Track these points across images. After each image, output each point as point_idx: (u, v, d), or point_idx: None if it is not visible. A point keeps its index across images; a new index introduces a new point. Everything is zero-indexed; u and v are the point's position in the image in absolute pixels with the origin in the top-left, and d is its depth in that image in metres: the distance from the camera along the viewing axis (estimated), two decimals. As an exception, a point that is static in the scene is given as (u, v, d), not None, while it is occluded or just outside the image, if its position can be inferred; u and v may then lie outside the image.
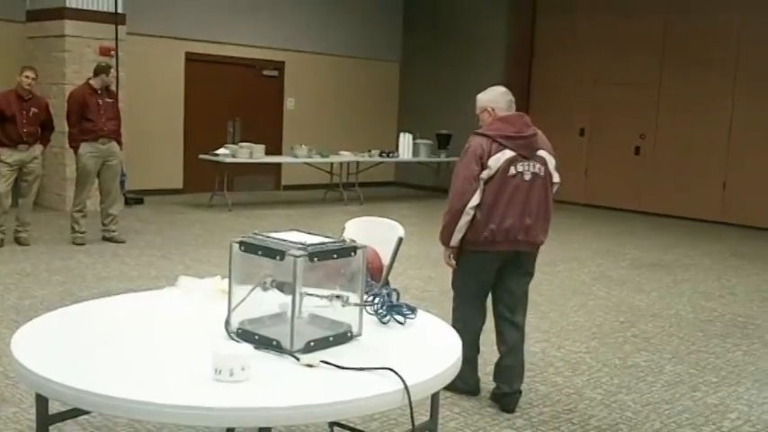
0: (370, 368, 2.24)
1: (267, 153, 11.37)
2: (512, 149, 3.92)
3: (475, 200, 3.91)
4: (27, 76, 7.46)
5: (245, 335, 2.45)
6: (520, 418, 4.01)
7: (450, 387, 3.85)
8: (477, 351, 4.27)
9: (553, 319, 5.91)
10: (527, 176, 3.93)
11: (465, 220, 3.94)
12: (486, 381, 4.33)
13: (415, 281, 6.44)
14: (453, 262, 4.10)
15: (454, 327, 4.14)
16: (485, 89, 4.21)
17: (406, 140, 12.68)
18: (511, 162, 3.91)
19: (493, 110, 4.06)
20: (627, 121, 12.32)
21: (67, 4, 9.81)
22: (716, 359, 5.12)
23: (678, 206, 11.68)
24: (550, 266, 7.85)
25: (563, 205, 12.58)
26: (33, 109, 7.53)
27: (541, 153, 4.03)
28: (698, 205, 11.52)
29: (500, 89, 4.17)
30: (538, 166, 3.98)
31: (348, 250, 2.51)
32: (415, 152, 12.67)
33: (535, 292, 6.72)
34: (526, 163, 3.94)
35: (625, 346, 5.33)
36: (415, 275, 6.51)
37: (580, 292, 6.87)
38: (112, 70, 7.90)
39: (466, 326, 3.97)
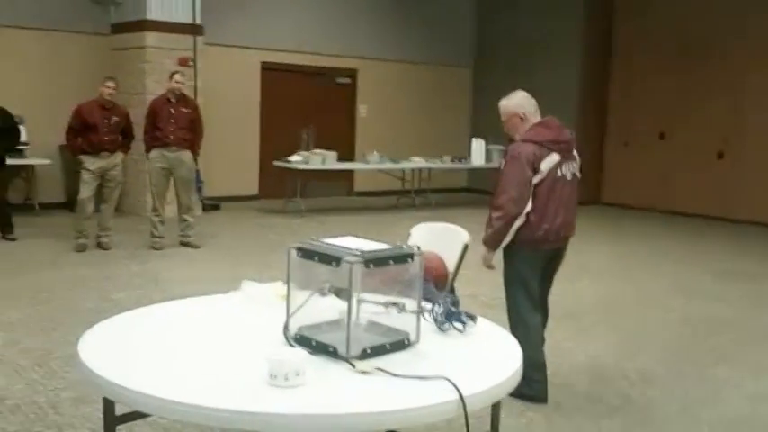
0: (425, 377, 2.20)
1: (339, 160, 11.45)
2: (557, 153, 4.06)
3: (530, 204, 4.02)
4: (108, 86, 7.71)
5: (302, 340, 2.45)
6: (589, 430, 3.89)
7: (516, 393, 3.88)
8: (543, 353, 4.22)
9: (628, 330, 5.74)
10: (569, 177, 4.13)
11: (518, 223, 4.03)
12: (554, 387, 4.23)
13: (484, 287, 6.35)
14: (494, 264, 4.19)
15: (516, 330, 4.16)
16: (519, 94, 4.23)
17: (478, 146, 12.57)
18: (558, 165, 4.07)
19: (524, 115, 4.16)
20: (709, 124, 11.91)
21: (148, 17, 10.12)
22: (801, 373, 4.89)
23: (764, 213, 11.21)
24: (628, 274, 7.65)
25: (643, 212, 12.27)
26: (114, 118, 7.78)
27: (575, 153, 4.23)
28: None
29: (523, 93, 4.24)
30: (575, 165, 4.20)
31: (405, 256, 2.48)
32: (488, 158, 12.54)
33: (609, 301, 6.57)
34: (567, 164, 4.13)
35: (704, 358, 5.12)
36: (486, 282, 6.42)
37: (657, 301, 6.65)
38: (176, 75, 8.05)
39: (529, 327, 4.11)
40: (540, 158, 4.00)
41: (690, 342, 5.48)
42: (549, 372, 4.24)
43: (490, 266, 4.20)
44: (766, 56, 11.22)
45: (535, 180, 4.01)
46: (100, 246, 7.97)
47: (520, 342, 3.96)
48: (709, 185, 11.93)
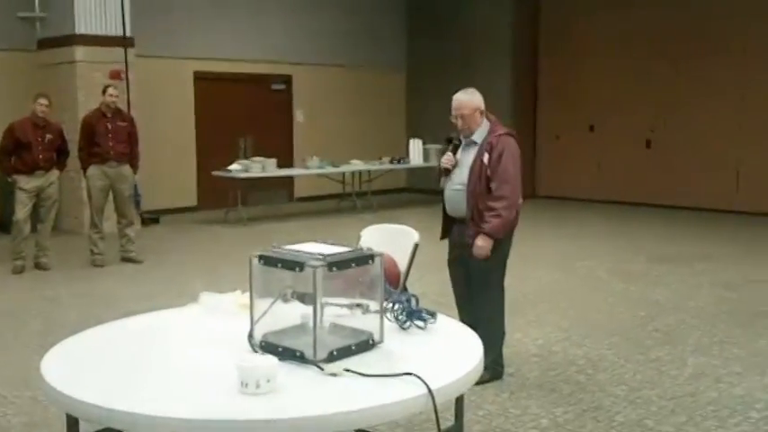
0: (394, 374, 2.26)
1: (279, 166, 11.45)
2: None
3: None
4: (41, 104, 7.56)
5: (268, 347, 2.48)
6: (545, 419, 4.02)
7: (495, 376, 4.42)
8: None
9: (573, 317, 5.92)
10: None
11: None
12: (507, 378, 4.34)
13: (434, 285, 6.44)
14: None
15: (494, 317, 4.45)
16: (477, 91, 4.44)
17: (416, 146, 12.73)
18: None
19: (482, 110, 4.38)
20: (636, 114, 12.30)
21: (77, 31, 9.92)
22: (739, 350, 5.11)
23: (692, 197, 11.64)
24: (567, 264, 7.86)
25: (577, 202, 12.60)
26: (48, 135, 7.64)
27: None
28: (712, 195, 11.48)
29: (474, 90, 4.45)
30: None
31: (366, 258, 2.54)
32: (426, 157, 12.70)
33: (554, 290, 6.75)
34: None
35: (647, 340, 5.32)
36: (433, 280, 6.51)
37: (599, 288, 6.87)
38: (110, 89, 7.94)
39: (502, 311, 4.49)
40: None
41: (633, 325, 5.69)
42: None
43: (488, 255, 4.33)
44: (692, 47, 11.63)
45: None
46: (39, 266, 7.80)
47: (499, 327, 4.32)
48: (639, 173, 12.33)
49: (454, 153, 4.42)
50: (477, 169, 4.29)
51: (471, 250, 4.34)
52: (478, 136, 4.36)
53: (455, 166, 4.41)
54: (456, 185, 4.39)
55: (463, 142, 4.42)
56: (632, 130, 12.38)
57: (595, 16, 12.61)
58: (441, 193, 4.56)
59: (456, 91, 4.45)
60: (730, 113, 11.36)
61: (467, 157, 4.38)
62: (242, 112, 12.57)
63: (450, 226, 4.56)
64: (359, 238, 4.14)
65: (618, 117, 12.53)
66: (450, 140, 4.50)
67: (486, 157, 4.27)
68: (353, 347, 2.48)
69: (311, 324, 2.39)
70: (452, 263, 4.63)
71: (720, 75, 11.36)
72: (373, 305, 2.55)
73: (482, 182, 4.27)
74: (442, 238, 4.64)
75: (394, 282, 3.85)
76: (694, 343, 5.26)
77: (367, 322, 2.54)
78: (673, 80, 11.89)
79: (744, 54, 11.14)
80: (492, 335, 4.38)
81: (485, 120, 4.38)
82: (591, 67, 12.76)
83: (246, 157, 11.57)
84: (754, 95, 11.15)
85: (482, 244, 4.28)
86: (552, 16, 13.31)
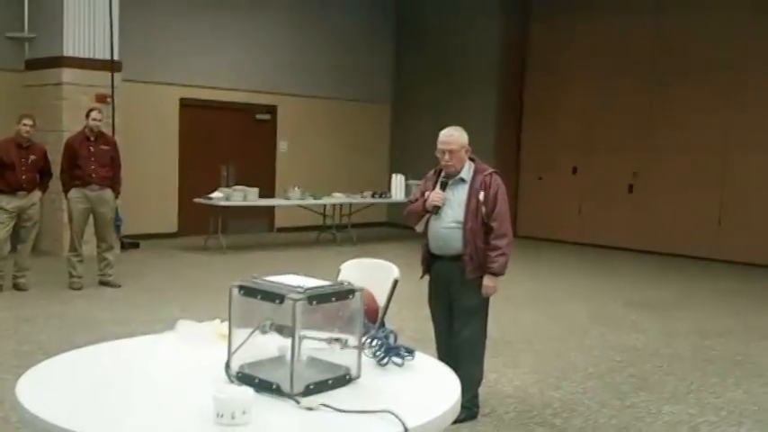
0: (370, 411, 2.25)
1: (261, 196, 11.43)
2: None
3: None
4: (25, 124, 7.54)
5: (245, 378, 2.46)
6: (519, 460, 4.00)
7: (470, 416, 4.43)
8: None
9: (549, 360, 5.92)
10: None
11: None
12: (483, 418, 4.33)
13: (411, 322, 6.45)
14: None
15: (475, 356, 4.54)
16: (461, 130, 4.50)
17: (398, 181, 12.78)
18: None
19: (468, 148, 4.45)
20: (619, 158, 12.44)
21: (65, 53, 9.93)
22: (716, 399, 5.13)
23: (673, 243, 11.74)
24: (546, 306, 7.88)
25: (557, 244, 12.66)
26: (32, 156, 7.61)
27: None
28: (693, 242, 11.58)
29: (461, 128, 4.52)
30: None
31: (346, 293, 2.55)
32: (408, 192, 12.72)
33: (530, 332, 6.76)
34: None
35: (623, 386, 5.33)
36: (410, 316, 6.52)
37: (576, 331, 6.88)
38: (93, 113, 7.93)
39: (483, 352, 4.56)
40: None
41: (609, 370, 5.69)
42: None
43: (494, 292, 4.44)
44: (675, 92, 11.81)
45: None
46: (16, 287, 7.71)
47: (479, 367, 4.42)
48: (621, 218, 12.43)
49: (443, 190, 4.44)
50: (473, 207, 4.34)
51: (462, 288, 4.40)
52: (465, 173, 4.41)
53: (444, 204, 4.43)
54: (449, 223, 4.39)
55: (449, 181, 4.44)
56: (615, 174, 12.50)
57: (580, 62, 12.80)
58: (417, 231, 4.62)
59: (441, 127, 4.50)
60: (712, 161, 11.51)
61: (457, 195, 4.40)
62: (226, 141, 12.60)
63: (431, 263, 4.57)
64: (338, 271, 4.13)
65: (601, 160, 12.67)
66: (439, 174, 4.53)
67: (482, 196, 4.33)
68: (330, 382, 2.47)
69: (289, 357, 2.39)
70: (435, 300, 4.63)
71: (704, 121, 11.52)
72: (352, 340, 2.54)
73: (478, 219, 4.32)
74: (423, 276, 4.65)
75: (372, 317, 3.84)
76: (671, 390, 5.27)
77: (345, 357, 2.54)
78: (656, 124, 12.06)
79: (727, 100, 11.32)
80: (472, 374, 4.42)
81: (467, 158, 4.44)
82: (576, 108, 12.92)
83: (228, 186, 11.57)
84: (737, 143, 11.30)
85: (491, 284, 4.39)
86: (538, 55, 13.50)
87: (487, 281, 4.35)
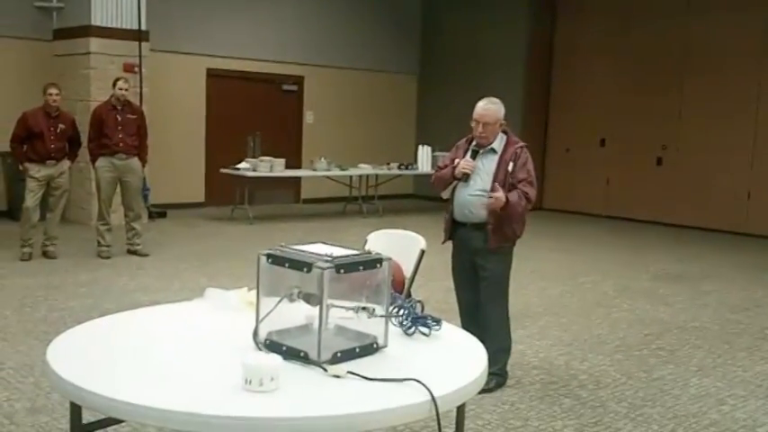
0: (397, 379, 2.26)
1: (287, 167, 11.45)
2: None
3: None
4: (51, 93, 7.58)
5: (272, 346, 2.47)
6: None
7: (500, 384, 4.50)
8: None
9: (576, 332, 5.90)
10: None
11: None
12: (508, 389, 4.33)
13: (437, 293, 6.45)
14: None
15: (503, 326, 4.56)
16: (501, 103, 4.47)
17: (424, 153, 12.72)
18: None
19: (503, 122, 4.45)
20: (648, 131, 12.28)
21: (93, 22, 9.96)
22: (743, 372, 5.08)
23: (701, 217, 11.61)
24: (573, 279, 7.84)
25: (584, 217, 12.57)
26: (60, 125, 7.66)
27: None
28: (722, 216, 11.44)
29: (499, 101, 4.48)
30: None
31: (374, 262, 2.54)
32: (434, 164, 12.69)
33: (557, 305, 6.73)
34: None
35: (650, 358, 5.30)
36: (436, 287, 6.52)
37: (603, 304, 6.84)
38: (120, 82, 7.95)
39: (508, 320, 4.59)
40: None
41: (636, 343, 5.66)
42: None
43: (498, 206, 4.27)
44: (704, 64, 11.61)
45: None
46: (46, 255, 7.81)
47: (507, 336, 4.48)
48: (649, 190, 12.29)
49: (473, 158, 4.43)
50: (501, 178, 4.35)
51: (485, 257, 4.43)
52: (497, 145, 4.43)
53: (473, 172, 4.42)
54: (476, 191, 4.40)
55: (480, 151, 4.43)
56: (644, 147, 12.33)
57: (609, 32, 12.58)
58: (443, 198, 4.63)
59: (469, 99, 4.49)
60: (743, 134, 11.31)
61: (487, 165, 4.42)
62: (253, 111, 12.60)
63: (455, 231, 4.57)
64: (365, 241, 4.14)
65: (629, 133, 12.50)
66: (470, 143, 4.51)
67: (510, 167, 4.35)
68: (358, 350, 2.48)
69: (316, 325, 2.39)
70: (459, 269, 4.64)
71: (733, 93, 11.32)
72: (379, 309, 2.54)
73: (505, 189, 4.31)
74: (445, 241, 4.67)
75: (399, 287, 3.84)
76: (697, 363, 5.23)
77: (372, 326, 2.53)
78: (685, 98, 11.86)
79: (760, 70, 11.10)
80: (501, 343, 4.46)
81: (500, 131, 4.44)
82: (603, 81, 12.74)
83: (255, 156, 11.58)
84: (766, 117, 11.10)
85: (500, 196, 4.22)
86: (566, 30, 13.30)
87: (500, 193, 4.23)
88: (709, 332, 6.03)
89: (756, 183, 11.28)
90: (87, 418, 2.65)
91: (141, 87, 10.11)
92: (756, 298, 7.29)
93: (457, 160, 4.47)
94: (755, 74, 11.14)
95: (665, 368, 5.10)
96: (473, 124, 4.40)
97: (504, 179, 4.33)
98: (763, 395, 4.65)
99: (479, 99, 4.47)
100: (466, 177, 4.41)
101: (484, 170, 4.40)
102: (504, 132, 4.46)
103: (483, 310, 4.51)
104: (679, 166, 12.01)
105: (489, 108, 4.38)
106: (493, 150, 4.41)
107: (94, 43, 9.98)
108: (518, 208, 4.32)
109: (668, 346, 5.61)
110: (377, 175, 12.57)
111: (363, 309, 2.49)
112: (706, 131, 11.65)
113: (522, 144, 4.43)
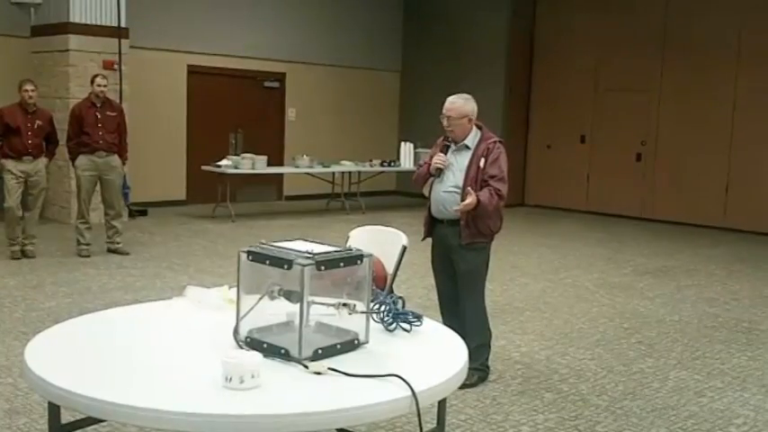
0: (378, 375, 2.26)
1: (269, 164, 11.41)
2: None
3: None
4: (27, 90, 7.53)
5: (253, 343, 2.48)
6: (525, 426, 4.03)
7: (482, 378, 4.53)
8: None
9: (557, 327, 5.93)
10: None
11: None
12: (490, 383, 4.35)
13: (418, 289, 6.48)
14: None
15: (481, 321, 4.55)
16: (472, 100, 4.49)
17: (407, 149, 12.73)
18: None
19: (472, 119, 4.44)
20: (627, 127, 12.36)
21: (71, 19, 9.87)
22: (721, 365, 5.14)
23: (680, 212, 11.70)
24: (553, 274, 7.88)
25: (565, 212, 12.64)
26: (38, 122, 7.60)
27: None
28: (700, 211, 11.54)
29: (470, 97, 4.50)
30: None
31: (354, 259, 2.54)
32: (417, 161, 12.70)
33: (539, 300, 6.77)
34: None
35: (629, 352, 5.34)
36: (418, 284, 6.55)
37: (584, 299, 6.89)
38: (98, 79, 7.89)
39: (486, 315, 4.59)
40: None
41: (616, 337, 5.71)
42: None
43: (469, 208, 4.27)
44: (682, 60, 11.70)
45: None
46: (25, 254, 7.74)
47: (485, 330, 4.45)
48: (628, 186, 12.38)
49: (445, 154, 4.47)
50: (473, 174, 4.37)
51: (460, 252, 4.45)
52: (470, 141, 4.45)
53: (446, 167, 4.45)
54: (449, 187, 4.44)
55: (452, 147, 4.45)
56: (623, 143, 12.42)
57: (590, 26, 12.64)
58: (425, 195, 4.66)
59: (450, 95, 4.50)
60: (721, 129, 11.42)
61: (460, 161, 4.45)
62: (234, 108, 12.54)
63: (433, 227, 4.60)
64: (347, 238, 4.14)
65: (609, 129, 12.58)
66: (447, 145, 4.52)
67: (482, 162, 4.36)
68: (338, 347, 2.48)
69: (297, 322, 2.39)
70: (436, 263, 4.70)
71: (712, 89, 11.41)
72: (360, 306, 2.55)
73: (477, 185, 4.33)
74: (424, 238, 4.71)
75: (381, 283, 3.85)
76: (677, 357, 5.28)
77: (353, 322, 2.54)
78: (664, 95, 11.95)
79: (737, 66, 11.20)
80: (482, 339, 4.50)
81: (473, 127, 4.45)
82: (584, 77, 12.80)
83: (237, 153, 11.55)
84: (745, 112, 11.21)
85: (470, 202, 4.24)
86: (547, 25, 13.34)
87: (471, 198, 4.23)
88: (688, 326, 6.09)
89: (733, 178, 11.39)
90: (66, 418, 2.64)
91: (121, 84, 10.04)
92: (734, 291, 7.36)
93: (434, 157, 4.51)
94: (733, 69, 11.23)
95: (645, 361, 5.14)
96: (441, 118, 4.45)
97: (476, 175, 4.36)
98: (740, 387, 4.71)
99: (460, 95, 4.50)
100: (439, 173, 4.45)
101: (457, 166, 4.44)
102: (479, 128, 4.48)
103: (461, 307, 4.56)
104: (658, 162, 12.11)
105: (455, 102, 4.41)
106: (466, 147, 4.44)
107: (73, 40, 9.90)
108: (489, 207, 4.33)
109: (648, 339, 5.66)
110: (359, 172, 12.57)
111: (344, 305, 2.49)
112: (684, 127, 11.75)
113: (495, 139, 4.44)
